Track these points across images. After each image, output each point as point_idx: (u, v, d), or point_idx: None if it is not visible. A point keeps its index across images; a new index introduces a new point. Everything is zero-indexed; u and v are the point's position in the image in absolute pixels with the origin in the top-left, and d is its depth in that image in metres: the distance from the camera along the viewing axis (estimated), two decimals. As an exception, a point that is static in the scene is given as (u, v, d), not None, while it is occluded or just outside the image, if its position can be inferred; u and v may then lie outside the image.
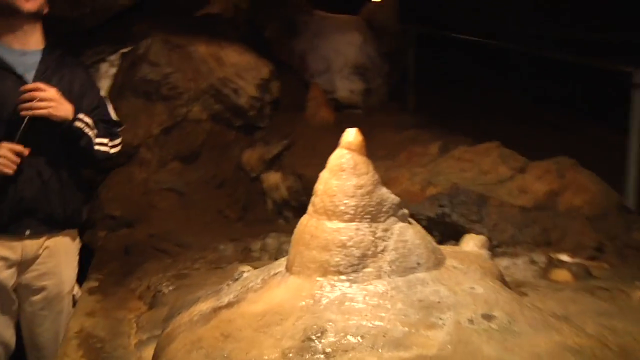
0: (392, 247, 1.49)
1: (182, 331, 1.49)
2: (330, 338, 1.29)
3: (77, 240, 2.59)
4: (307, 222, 1.57)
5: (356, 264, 1.46)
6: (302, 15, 4.45)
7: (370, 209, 1.51)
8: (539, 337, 1.31)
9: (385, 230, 1.51)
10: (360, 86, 4.36)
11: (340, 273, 1.45)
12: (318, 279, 1.47)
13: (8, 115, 2.15)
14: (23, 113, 2.11)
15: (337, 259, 1.46)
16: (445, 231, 2.53)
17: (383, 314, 1.34)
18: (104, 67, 5.05)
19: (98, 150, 2.38)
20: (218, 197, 4.11)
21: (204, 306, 1.60)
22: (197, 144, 4.06)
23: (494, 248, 2.37)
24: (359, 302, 1.39)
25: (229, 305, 1.54)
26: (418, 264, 1.49)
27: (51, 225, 2.35)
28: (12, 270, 2.28)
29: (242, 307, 1.50)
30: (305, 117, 4.12)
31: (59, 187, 2.33)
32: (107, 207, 3.58)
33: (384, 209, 1.53)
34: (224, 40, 3.82)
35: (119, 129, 2.58)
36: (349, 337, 1.28)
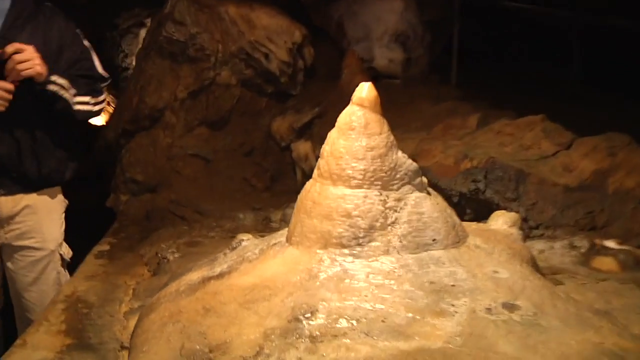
0: (405, 219, 1.30)
1: (164, 302, 1.35)
2: (320, 320, 1.11)
3: (60, 198, 2.47)
4: (310, 188, 1.39)
5: (361, 237, 1.27)
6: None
7: (382, 174, 1.32)
8: (570, 334, 1.10)
9: (398, 199, 1.31)
10: (400, 55, 4.10)
11: (343, 246, 1.27)
12: (318, 251, 1.29)
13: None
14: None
15: (340, 230, 1.28)
16: (478, 209, 2.30)
17: (386, 296, 1.16)
18: (142, 32, 4.97)
19: (78, 110, 2.24)
20: (245, 166, 3.96)
21: (195, 276, 1.45)
22: (226, 109, 3.90)
23: (531, 230, 2.13)
24: (360, 281, 1.20)
25: (220, 276, 1.38)
26: (434, 240, 1.29)
27: (25, 184, 2.26)
28: None
29: (232, 279, 1.34)
30: (340, 86, 3.90)
31: (32, 145, 2.22)
32: (130, 171, 3.49)
33: (397, 176, 1.33)
34: (255, 1, 3.63)
35: (103, 84, 2.40)
36: (341, 320, 1.11)
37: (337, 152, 1.34)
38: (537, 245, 1.94)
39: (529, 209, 2.17)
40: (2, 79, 2.00)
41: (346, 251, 1.26)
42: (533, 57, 5.52)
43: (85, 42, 2.38)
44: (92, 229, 3.15)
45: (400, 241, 1.27)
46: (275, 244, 1.44)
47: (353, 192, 1.30)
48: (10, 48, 1.99)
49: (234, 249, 1.55)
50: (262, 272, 1.32)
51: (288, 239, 1.40)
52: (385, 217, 1.28)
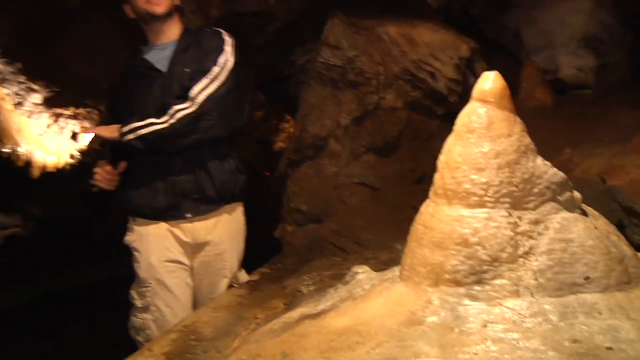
0: (544, 248, 0.96)
1: (252, 341, 1.17)
2: (406, 383, 0.83)
3: (240, 213, 2.47)
4: (423, 209, 1.12)
5: (482, 272, 0.96)
6: (517, -15, 3.81)
7: (512, 188, 1.00)
8: None
9: (535, 222, 0.98)
10: (592, 62, 3.52)
11: (458, 283, 0.98)
12: (427, 289, 1.01)
13: (142, 106, 2.18)
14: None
15: (455, 262, 0.99)
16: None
17: (504, 357, 0.83)
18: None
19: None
20: (415, 194, 3.68)
21: (296, 313, 1.26)
22: (393, 134, 3.71)
23: None
24: (473, 332, 0.90)
25: (318, 314, 1.17)
26: (587, 278, 0.93)
27: (208, 203, 2.30)
28: (188, 253, 2.30)
29: (327, 319, 1.11)
30: (518, 101, 3.46)
31: (204, 164, 2.28)
32: (294, 201, 3.46)
33: (535, 190, 1.00)
34: (416, 18, 3.41)
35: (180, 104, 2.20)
36: (434, 385, 0.81)
37: (452, 161, 1.06)
38: None
39: None
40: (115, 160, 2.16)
41: (462, 290, 0.96)
42: None
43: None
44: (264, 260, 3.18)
45: (536, 279, 0.93)
46: (387, 278, 1.19)
47: (472, 213, 1.00)
48: None
49: (346, 283, 1.33)
50: (361, 312, 1.07)
51: (400, 273, 1.13)
52: (516, 246, 0.96)
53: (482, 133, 1.03)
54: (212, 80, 2.16)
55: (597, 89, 3.47)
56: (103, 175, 2.22)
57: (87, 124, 2.20)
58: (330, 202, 3.56)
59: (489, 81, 1.07)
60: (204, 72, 2.16)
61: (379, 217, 3.48)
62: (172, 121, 2.11)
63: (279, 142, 7.26)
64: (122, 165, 2.26)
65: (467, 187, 1.01)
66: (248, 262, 2.70)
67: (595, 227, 0.98)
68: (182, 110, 2.12)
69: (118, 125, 2.17)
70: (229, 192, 2.36)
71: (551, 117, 3.15)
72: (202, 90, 2.14)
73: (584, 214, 1.01)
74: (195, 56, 2.25)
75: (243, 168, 2.44)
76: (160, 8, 2.21)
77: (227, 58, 2.22)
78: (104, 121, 2.46)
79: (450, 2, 3.95)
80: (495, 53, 3.77)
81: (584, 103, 3.31)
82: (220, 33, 2.32)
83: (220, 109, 2.18)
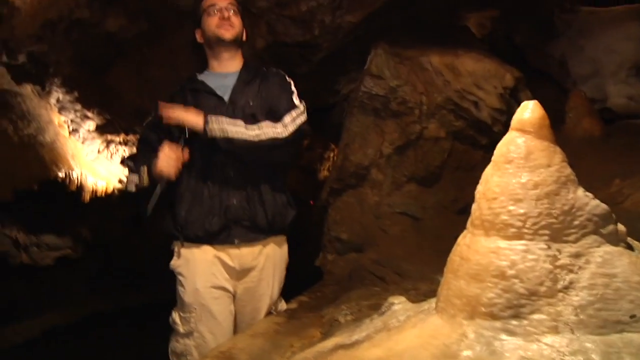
0: (586, 283, 0.93)
1: (284, 370, 1.17)
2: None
3: (285, 253, 2.51)
4: (460, 240, 1.10)
5: (520, 306, 0.94)
6: (561, 14, 3.74)
7: (551, 220, 0.97)
8: None
9: (576, 255, 0.95)
10: (644, 90, 3.43)
11: (494, 317, 0.95)
12: (462, 322, 0.99)
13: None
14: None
15: (491, 295, 0.96)
16: None
17: (542, 394, 0.80)
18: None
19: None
20: (457, 224, 3.59)
21: (331, 342, 1.25)
22: (436, 164, 3.68)
23: None
24: (509, 367, 0.87)
25: (352, 345, 1.16)
26: (633, 316, 0.89)
27: (257, 231, 2.33)
28: (232, 279, 2.32)
29: (361, 350, 1.10)
30: (565, 131, 3.40)
31: (259, 193, 2.31)
32: (335, 229, 3.46)
33: (576, 222, 0.97)
34: (460, 47, 3.40)
35: (293, 111, 2.32)
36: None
37: (490, 192, 1.04)
38: None
39: None
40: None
41: (498, 324, 0.94)
42: None
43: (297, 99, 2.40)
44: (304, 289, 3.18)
45: (577, 315, 0.89)
46: (423, 310, 1.17)
47: (509, 245, 0.98)
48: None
49: (382, 313, 1.32)
50: (394, 344, 1.06)
51: (436, 305, 1.11)
52: (555, 280, 0.93)
53: (521, 163, 1.01)
54: (299, 115, 2.29)
55: (650, 119, 3.37)
56: (169, 157, 2.19)
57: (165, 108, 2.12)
58: (372, 231, 3.54)
59: (528, 111, 1.06)
60: (278, 109, 2.28)
61: (420, 248, 3.43)
62: (287, 132, 2.23)
63: (323, 171, 7.30)
64: (187, 152, 2.24)
65: (505, 219, 0.99)
66: (288, 290, 2.70)
67: (641, 262, 0.94)
68: (295, 119, 2.26)
69: (202, 115, 2.18)
70: (279, 225, 2.40)
71: (600, 148, 3.07)
72: (293, 120, 2.27)
73: (630, 247, 0.98)
74: (258, 91, 2.34)
75: (294, 203, 2.48)
76: (229, 34, 2.34)
77: (300, 99, 2.34)
78: (143, 137, 2.49)
79: (495, 31, 3.92)
80: (540, 82, 3.71)
81: (635, 133, 3.21)
82: (282, 74, 2.43)
83: (298, 142, 2.38)
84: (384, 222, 3.56)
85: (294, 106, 2.30)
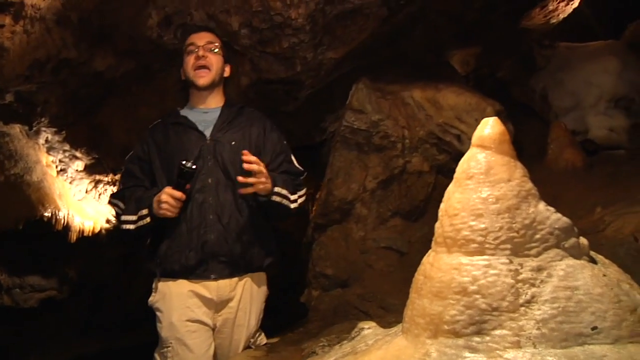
0: (548, 297, 0.91)
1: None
2: None
3: (264, 286, 2.48)
4: (424, 259, 1.09)
5: (482, 322, 0.92)
6: (541, 49, 3.82)
7: (512, 234, 0.96)
8: None
9: (538, 269, 0.94)
10: (624, 122, 3.46)
11: (457, 334, 0.93)
12: (426, 340, 0.97)
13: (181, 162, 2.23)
14: (242, 191, 2.19)
15: (453, 312, 0.95)
16: None
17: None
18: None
19: (294, 208, 2.41)
20: (444, 259, 3.60)
21: (299, 369, 1.22)
22: (420, 198, 3.68)
23: None
24: (470, 384, 0.84)
25: (319, 369, 1.13)
26: (594, 328, 0.87)
27: (234, 268, 2.32)
28: (211, 311, 2.29)
29: (326, 373, 1.07)
30: (547, 162, 3.42)
31: (238, 231, 2.30)
32: (320, 265, 3.43)
33: (537, 236, 0.97)
34: (442, 82, 3.45)
35: (301, 178, 2.46)
36: None
37: (451, 208, 1.04)
38: None
39: None
40: (181, 187, 2.17)
41: (461, 342, 0.92)
42: None
43: (282, 137, 2.52)
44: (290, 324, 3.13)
45: (539, 329, 0.88)
46: (391, 333, 1.15)
47: (471, 261, 0.97)
48: (252, 158, 2.18)
49: (352, 339, 1.29)
50: (359, 366, 1.03)
51: (402, 326, 1.09)
52: (517, 294, 0.92)
53: (481, 179, 1.01)
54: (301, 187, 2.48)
55: (631, 149, 3.39)
56: (171, 203, 2.20)
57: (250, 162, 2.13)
58: (357, 266, 3.51)
59: (488, 127, 1.06)
60: (279, 145, 2.44)
61: (406, 282, 3.37)
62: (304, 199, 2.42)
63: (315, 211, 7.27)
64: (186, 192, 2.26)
65: (466, 234, 0.98)
66: (272, 327, 2.65)
67: (604, 275, 0.93)
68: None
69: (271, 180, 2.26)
70: (256, 264, 2.39)
71: (582, 178, 3.08)
72: (301, 196, 2.45)
73: (592, 261, 0.97)
74: (242, 132, 2.41)
75: (276, 243, 2.47)
76: (203, 80, 2.42)
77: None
78: (127, 171, 2.48)
79: (478, 67, 3.99)
80: (524, 115, 3.76)
81: (617, 163, 3.23)
82: (269, 121, 2.54)
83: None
84: (369, 257, 3.54)
85: (300, 172, 2.49)
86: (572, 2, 3.87)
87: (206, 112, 2.45)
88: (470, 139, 3.43)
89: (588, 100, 3.53)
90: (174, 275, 2.29)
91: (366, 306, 2.99)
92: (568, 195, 3.07)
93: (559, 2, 3.85)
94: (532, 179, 3.25)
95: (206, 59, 2.43)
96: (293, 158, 2.51)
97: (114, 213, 2.59)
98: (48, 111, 4.13)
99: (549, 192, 3.40)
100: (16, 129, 4.56)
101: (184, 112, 2.51)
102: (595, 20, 4.89)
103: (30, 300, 4.74)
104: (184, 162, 2.14)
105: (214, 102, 2.48)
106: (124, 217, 2.30)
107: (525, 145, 3.66)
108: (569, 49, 3.84)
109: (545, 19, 3.98)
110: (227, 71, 2.55)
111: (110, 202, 2.48)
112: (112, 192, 2.89)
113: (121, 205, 2.36)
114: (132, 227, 2.27)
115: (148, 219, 2.24)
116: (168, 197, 2.16)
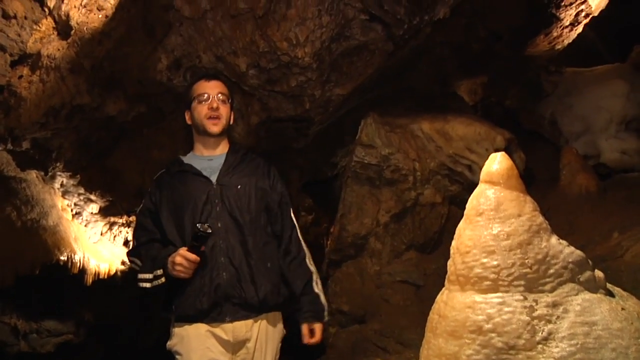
0: (565, 333, 0.90)
1: None
2: None
3: (280, 326, 2.46)
4: (438, 298, 1.08)
5: (499, 361, 0.90)
6: (548, 75, 3.83)
7: (525, 270, 0.95)
8: None
9: (554, 305, 0.92)
10: (636, 144, 3.43)
11: (474, 374, 0.91)
12: (443, 382, 0.95)
13: (191, 210, 2.27)
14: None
15: (470, 352, 0.93)
16: None
17: None
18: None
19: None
20: (462, 290, 3.56)
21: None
22: (434, 230, 3.66)
23: None
24: None
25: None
26: (615, 365, 0.85)
27: (248, 310, 2.30)
28: (229, 353, 2.27)
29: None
30: (560, 188, 3.39)
31: (249, 272, 2.29)
32: (336, 302, 3.39)
33: (551, 271, 0.95)
34: (450, 113, 3.46)
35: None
36: None
37: (463, 246, 1.03)
38: None
39: None
40: (196, 249, 2.19)
41: (478, 382, 0.90)
42: None
43: (285, 187, 2.56)
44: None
45: (558, 367, 0.86)
46: (409, 373, 1.13)
47: (485, 299, 0.96)
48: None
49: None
50: (377, 410, 1.01)
51: (419, 366, 1.08)
52: (533, 332, 0.90)
53: (491, 215, 1.01)
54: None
55: (645, 173, 3.36)
56: (185, 265, 2.17)
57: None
58: (373, 301, 3.48)
59: (496, 163, 1.06)
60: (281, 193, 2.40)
61: (423, 316, 3.32)
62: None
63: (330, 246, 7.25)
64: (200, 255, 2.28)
65: (479, 272, 0.98)
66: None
67: (623, 308, 0.91)
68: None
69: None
70: (271, 303, 2.38)
71: (596, 202, 3.05)
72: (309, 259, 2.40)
73: (610, 294, 0.95)
74: (248, 178, 2.41)
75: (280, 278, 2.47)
76: (216, 128, 2.40)
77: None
78: (139, 225, 2.51)
79: (486, 96, 4.01)
80: (534, 142, 3.75)
81: (631, 186, 3.20)
82: (267, 162, 2.52)
83: None
84: (385, 291, 3.50)
85: (294, 225, 2.46)
86: (576, 28, 3.90)
87: (211, 159, 2.48)
88: (481, 168, 3.43)
89: (598, 124, 3.51)
90: (189, 320, 2.28)
91: (384, 342, 2.95)
92: (584, 221, 3.03)
93: (563, 29, 3.87)
94: (546, 206, 3.22)
95: (219, 110, 2.48)
96: (292, 214, 2.55)
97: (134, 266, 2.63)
98: (63, 156, 4.20)
99: (564, 219, 3.38)
100: (32, 175, 4.63)
101: (187, 159, 2.54)
102: (601, 43, 4.91)
103: (47, 345, 4.73)
104: (198, 225, 2.16)
105: (220, 149, 2.51)
106: (140, 276, 2.33)
107: (537, 172, 3.64)
108: (575, 74, 3.85)
109: (550, 45, 4.01)
110: (232, 119, 2.61)
111: (128, 259, 2.52)
112: (128, 250, 2.92)
113: (138, 262, 2.40)
114: (148, 285, 2.29)
115: (163, 279, 2.27)
116: (182, 260, 2.19)
